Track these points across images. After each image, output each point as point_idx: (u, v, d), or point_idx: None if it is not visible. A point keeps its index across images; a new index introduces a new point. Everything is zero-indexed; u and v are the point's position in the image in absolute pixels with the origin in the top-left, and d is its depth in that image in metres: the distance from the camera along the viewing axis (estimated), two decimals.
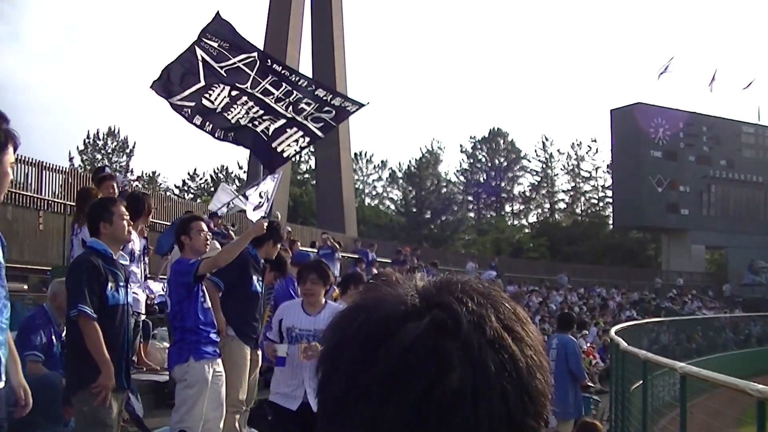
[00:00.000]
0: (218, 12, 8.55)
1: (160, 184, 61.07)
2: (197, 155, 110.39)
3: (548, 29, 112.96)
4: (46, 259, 15.66)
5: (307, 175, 55.25)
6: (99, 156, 56.83)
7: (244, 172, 51.18)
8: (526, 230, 71.21)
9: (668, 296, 42.10)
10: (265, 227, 7.57)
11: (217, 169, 67.05)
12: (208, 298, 6.83)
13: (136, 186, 22.80)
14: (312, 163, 59.27)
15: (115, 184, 10.16)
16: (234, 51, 8.51)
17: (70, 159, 54.96)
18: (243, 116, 8.63)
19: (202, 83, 8.41)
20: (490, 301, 0.93)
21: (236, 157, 61.09)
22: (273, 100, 8.65)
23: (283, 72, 8.78)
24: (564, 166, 73.12)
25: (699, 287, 47.39)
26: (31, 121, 75.26)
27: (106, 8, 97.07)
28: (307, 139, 8.92)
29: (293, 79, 8.79)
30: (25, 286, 13.19)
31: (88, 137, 57.57)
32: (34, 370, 6.93)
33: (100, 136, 58.04)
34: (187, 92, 8.38)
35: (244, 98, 8.59)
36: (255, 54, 8.63)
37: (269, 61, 8.82)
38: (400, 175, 72.37)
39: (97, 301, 5.34)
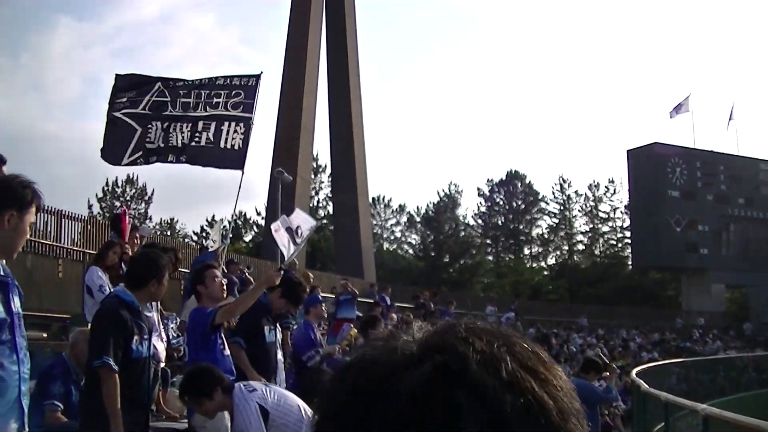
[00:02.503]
0: (116, 74, 9.86)
1: (179, 231, 61.28)
2: (215, 201, 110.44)
3: (564, 71, 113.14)
4: (65, 307, 15.64)
5: (325, 221, 55.22)
6: (117, 203, 56.96)
7: (263, 218, 51.26)
8: (545, 272, 71.08)
9: (690, 336, 41.78)
10: (277, 279, 7.57)
11: (236, 215, 67.21)
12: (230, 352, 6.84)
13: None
14: (330, 208, 59.40)
15: (138, 235, 10.31)
16: (142, 93, 9.54)
17: (89, 206, 55.24)
18: (183, 136, 9.48)
19: (138, 130, 9.41)
20: (504, 340, 0.80)
21: (254, 203, 61.23)
22: (193, 109, 9.56)
23: (185, 82, 9.74)
24: (582, 208, 72.86)
25: (720, 327, 46.98)
26: (54, 172, 76.28)
27: (125, 61, 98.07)
28: (242, 125, 9.59)
29: (196, 82, 9.72)
30: (45, 335, 13.18)
31: (107, 185, 57.86)
32: (52, 420, 6.95)
33: (119, 184, 58.35)
34: (130, 148, 9.37)
35: (175, 123, 9.48)
36: (158, 84, 9.68)
37: (170, 82, 9.78)
38: (418, 219, 72.11)
39: (121, 353, 5.34)
